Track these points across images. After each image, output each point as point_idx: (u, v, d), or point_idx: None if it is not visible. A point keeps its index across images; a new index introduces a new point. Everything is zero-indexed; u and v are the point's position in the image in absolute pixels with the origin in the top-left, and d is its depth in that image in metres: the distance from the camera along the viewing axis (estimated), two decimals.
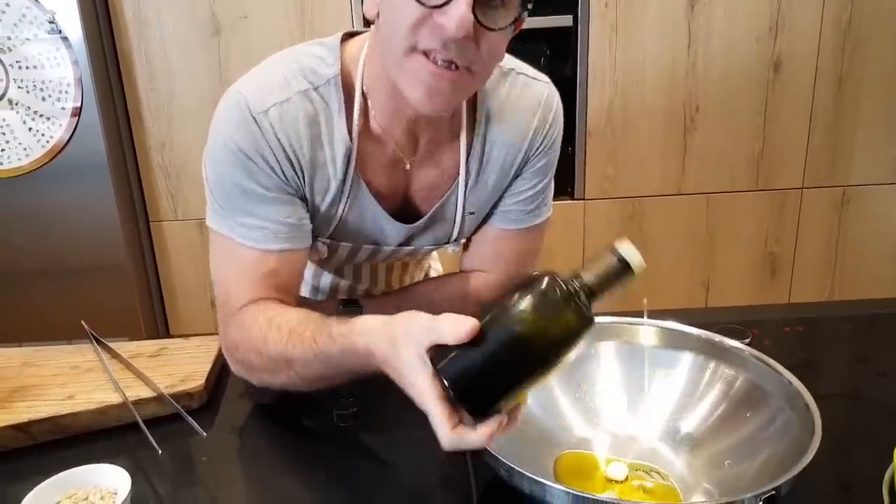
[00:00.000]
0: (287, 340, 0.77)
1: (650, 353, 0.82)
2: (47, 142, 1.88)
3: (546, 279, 0.56)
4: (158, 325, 2.18)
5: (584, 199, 2.14)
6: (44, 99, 1.85)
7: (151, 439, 0.78)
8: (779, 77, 2.06)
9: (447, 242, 0.98)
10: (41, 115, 1.87)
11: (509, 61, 0.92)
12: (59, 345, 1.05)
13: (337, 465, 0.78)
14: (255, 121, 0.80)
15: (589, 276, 0.56)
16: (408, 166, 0.89)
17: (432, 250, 1.02)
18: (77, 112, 1.86)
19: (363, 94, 0.84)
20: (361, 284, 1.08)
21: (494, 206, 0.97)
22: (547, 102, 0.92)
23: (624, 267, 0.56)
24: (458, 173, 0.91)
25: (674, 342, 0.81)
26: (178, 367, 0.95)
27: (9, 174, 1.91)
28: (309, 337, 0.75)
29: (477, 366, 0.55)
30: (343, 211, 0.89)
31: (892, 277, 2.26)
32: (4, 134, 1.87)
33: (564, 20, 1.95)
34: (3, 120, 1.86)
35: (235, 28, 1.96)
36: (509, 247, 0.99)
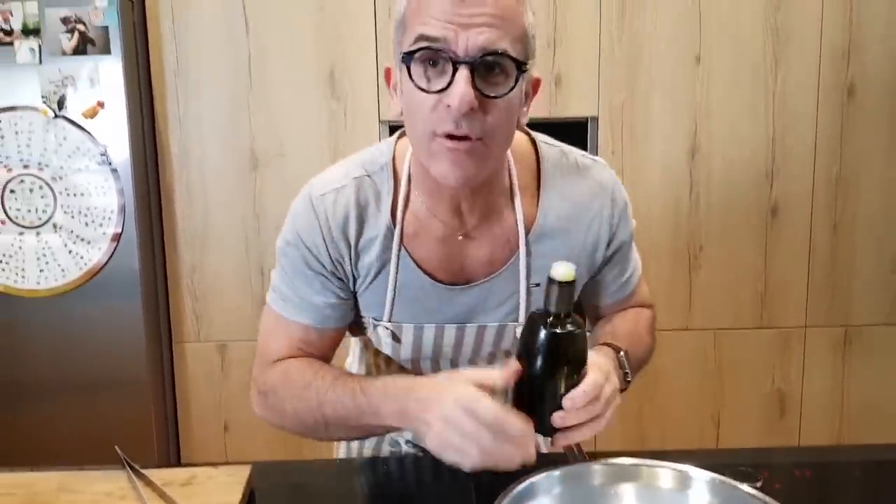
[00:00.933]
0: (330, 387, 0.90)
1: (668, 497, 0.85)
2: (85, 264, 1.99)
3: (541, 334, 0.75)
4: (170, 445, 2.19)
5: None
6: (87, 224, 1.98)
7: None
8: (776, 221, 2.18)
9: (515, 321, 1.00)
10: (82, 240, 1.98)
11: (564, 146, 1.02)
12: (90, 469, 1.09)
13: None
14: (313, 206, 0.93)
15: (552, 307, 0.74)
16: (460, 237, 0.95)
17: (501, 329, 1.02)
18: (117, 237, 1.99)
19: (409, 179, 0.95)
20: None
21: (587, 287, 1.05)
22: (610, 186, 1.00)
23: (563, 285, 0.74)
24: (518, 248, 0.97)
25: (690, 485, 0.85)
26: (208, 497, 0.98)
27: (44, 294, 2.00)
28: (352, 386, 0.89)
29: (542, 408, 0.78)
30: (394, 288, 0.96)
31: None
32: (45, 256, 1.99)
33: None
34: (46, 243, 1.98)
35: (271, 164, 2.11)
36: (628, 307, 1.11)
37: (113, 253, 1.99)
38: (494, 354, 1.06)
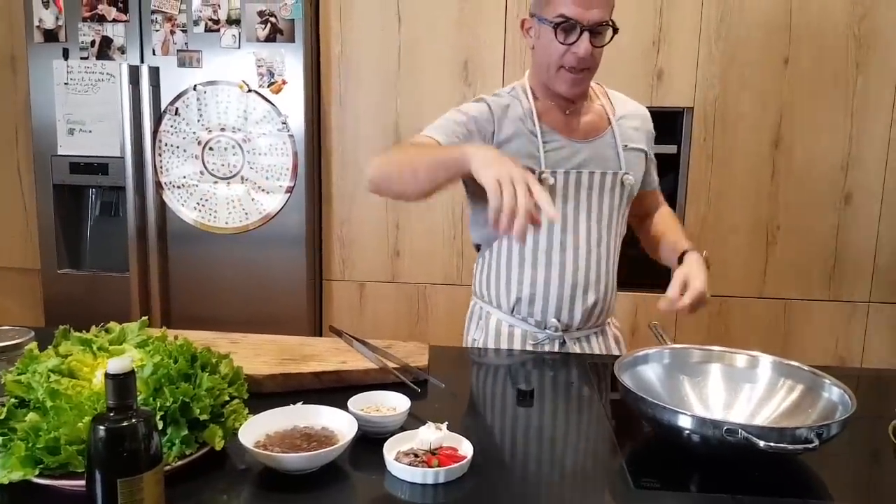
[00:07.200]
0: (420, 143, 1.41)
1: (744, 374, 1.21)
2: (263, 210, 2.48)
3: (98, 431, 0.76)
4: None
5: None
6: (267, 178, 2.46)
7: (410, 384, 1.22)
8: (849, 207, 2.46)
9: (621, 169, 1.51)
10: (262, 190, 2.47)
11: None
12: (309, 337, 1.52)
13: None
14: (485, 100, 1.51)
15: (110, 401, 0.77)
16: (567, 112, 1.51)
17: (614, 177, 1.51)
18: (290, 190, 2.46)
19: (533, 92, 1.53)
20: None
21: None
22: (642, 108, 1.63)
23: (117, 378, 0.76)
24: (610, 123, 1.53)
25: (758, 365, 1.20)
26: (403, 355, 1.40)
27: (230, 231, 2.50)
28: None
29: None
30: (541, 141, 1.47)
31: None
32: (233, 202, 2.48)
33: (670, 149, 2.45)
34: (234, 192, 2.48)
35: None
36: (657, 199, 1.72)
37: (285, 203, 2.47)
38: (603, 200, 1.51)
